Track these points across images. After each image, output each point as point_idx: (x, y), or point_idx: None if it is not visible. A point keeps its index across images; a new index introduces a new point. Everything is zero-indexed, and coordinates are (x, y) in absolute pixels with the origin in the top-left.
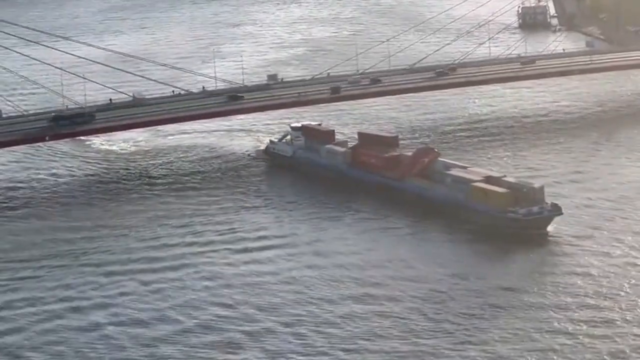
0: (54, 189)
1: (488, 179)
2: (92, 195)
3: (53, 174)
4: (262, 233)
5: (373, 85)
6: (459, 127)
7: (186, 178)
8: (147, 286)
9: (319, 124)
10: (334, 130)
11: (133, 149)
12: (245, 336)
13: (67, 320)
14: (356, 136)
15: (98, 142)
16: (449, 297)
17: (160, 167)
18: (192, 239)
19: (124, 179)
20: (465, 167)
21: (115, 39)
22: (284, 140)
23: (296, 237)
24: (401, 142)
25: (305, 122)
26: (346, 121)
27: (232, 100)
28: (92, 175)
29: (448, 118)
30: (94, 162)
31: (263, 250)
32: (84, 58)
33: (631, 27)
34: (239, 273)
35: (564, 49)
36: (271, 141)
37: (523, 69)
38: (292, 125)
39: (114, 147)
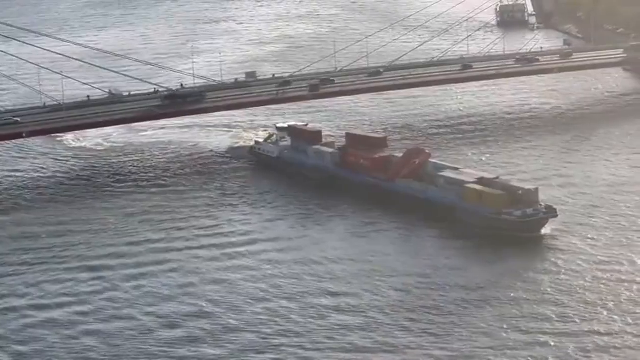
0: (24, 187)
1: (481, 181)
2: (63, 194)
3: (23, 172)
4: (241, 237)
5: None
6: (437, 127)
7: (163, 181)
8: (121, 291)
9: (306, 124)
10: (321, 131)
11: (106, 145)
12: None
13: (43, 329)
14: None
15: (70, 139)
16: (426, 307)
17: (135, 166)
18: (166, 245)
19: (97, 178)
20: (457, 168)
21: (95, 36)
22: (269, 141)
23: (279, 241)
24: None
25: (292, 123)
26: (325, 121)
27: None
28: (63, 173)
29: (428, 119)
30: (65, 160)
31: (240, 254)
32: (63, 55)
33: (608, 25)
34: (212, 279)
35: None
36: (256, 142)
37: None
38: (278, 125)
39: (85, 144)
